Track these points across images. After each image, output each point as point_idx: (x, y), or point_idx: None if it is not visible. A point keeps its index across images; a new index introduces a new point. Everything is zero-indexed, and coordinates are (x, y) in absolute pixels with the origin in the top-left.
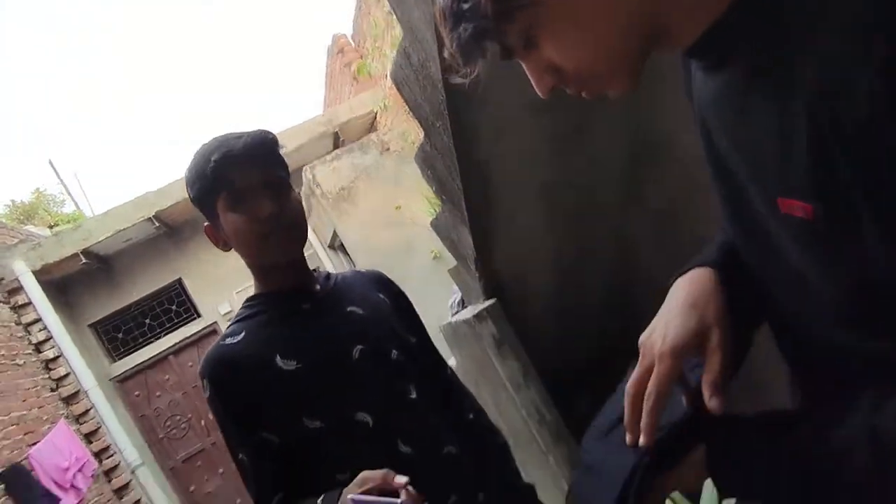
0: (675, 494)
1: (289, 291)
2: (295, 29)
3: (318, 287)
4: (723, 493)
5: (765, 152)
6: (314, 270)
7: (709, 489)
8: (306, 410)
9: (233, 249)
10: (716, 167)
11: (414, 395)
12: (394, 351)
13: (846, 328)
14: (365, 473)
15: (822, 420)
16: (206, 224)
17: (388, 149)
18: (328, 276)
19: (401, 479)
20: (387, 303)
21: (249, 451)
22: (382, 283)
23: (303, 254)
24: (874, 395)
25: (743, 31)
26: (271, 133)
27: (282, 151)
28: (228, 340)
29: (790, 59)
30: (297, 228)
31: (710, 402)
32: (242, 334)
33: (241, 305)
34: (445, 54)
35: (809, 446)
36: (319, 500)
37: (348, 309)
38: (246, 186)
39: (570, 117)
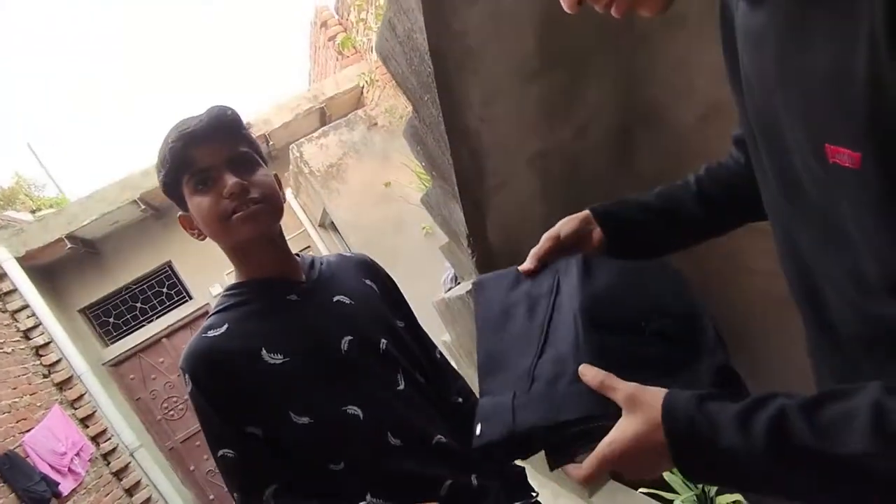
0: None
1: (273, 280)
2: (278, 3)
3: (303, 276)
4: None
5: (817, 92)
6: (297, 255)
7: None
8: (294, 406)
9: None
10: (752, 109)
11: (402, 386)
12: (382, 340)
13: (880, 295)
14: None
15: (827, 394)
16: (179, 214)
17: (375, 124)
18: (312, 262)
19: None
20: (374, 289)
21: (234, 445)
22: (369, 268)
23: (281, 235)
24: (886, 385)
25: None
26: (230, 108)
27: (266, 130)
28: (210, 333)
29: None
30: (266, 203)
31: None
32: (225, 326)
33: (221, 293)
34: None
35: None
36: None
37: (335, 299)
38: (208, 165)
39: (559, 84)
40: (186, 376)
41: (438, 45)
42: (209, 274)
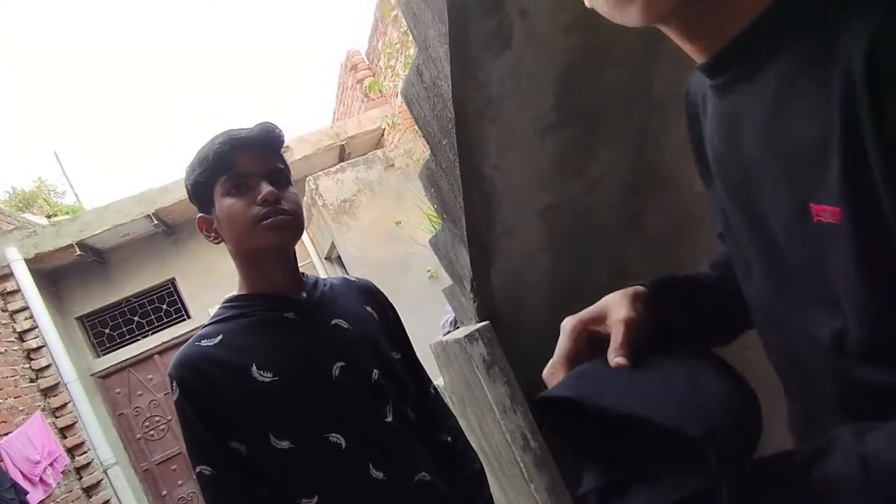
0: None
1: (274, 295)
2: (310, 42)
3: (304, 294)
4: None
5: (800, 155)
6: (303, 274)
7: None
8: (275, 429)
9: (223, 245)
10: (728, 187)
11: (390, 419)
12: (375, 371)
13: (858, 357)
14: None
15: (808, 456)
16: (199, 216)
17: (392, 165)
18: (316, 282)
19: None
20: (374, 316)
21: (214, 461)
22: (371, 295)
23: (295, 256)
24: (856, 428)
25: (784, 32)
26: (278, 127)
27: (287, 158)
28: (204, 342)
29: (830, 58)
30: (292, 217)
31: (614, 360)
32: (220, 337)
33: (221, 304)
34: None
35: (800, 483)
36: None
37: (333, 322)
38: (247, 172)
39: (574, 140)
40: (174, 383)
41: (461, 94)
42: (211, 295)
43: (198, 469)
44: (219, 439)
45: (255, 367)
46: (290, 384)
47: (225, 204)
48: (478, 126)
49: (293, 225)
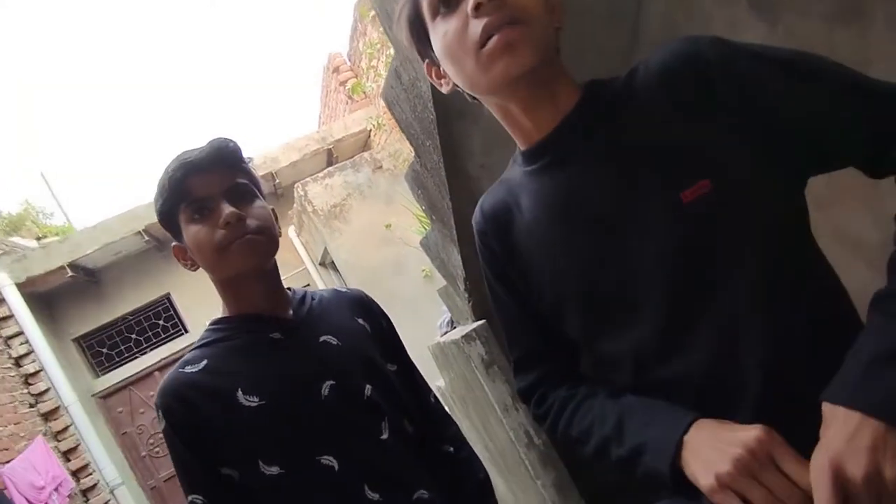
0: None
1: (259, 316)
2: (291, 46)
3: (290, 312)
4: None
5: (656, 167)
6: (289, 289)
7: None
8: (264, 454)
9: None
10: (581, 247)
11: (386, 436)
12: (367, 387)
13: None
14: None
15: None
16: (173, 244)
17: (380, 167)
18: (303, 298)
19: None
20: (366, 329)
21: (205, 490)
22: (363, 306)
23: (275, 270)
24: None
25: (593, 117)
26: (232, 140)
27: (271, 166)
28: (188, 368)
29: (648, 96)
30: (262, 235)
31: None
32: (204, 362)
33: (206, 327)
34: None
35: None
36: None
37: (321, 339)
38: (205, 195)
39: None
40: (160, 412)
41: (441, 94)
42: (208, 308)
43: (190, 498)
44: (209, 466)
45: (240, 392)
46: (277, 407)
47: (191, 231)
48: (460, 126)
49: (262, 242)
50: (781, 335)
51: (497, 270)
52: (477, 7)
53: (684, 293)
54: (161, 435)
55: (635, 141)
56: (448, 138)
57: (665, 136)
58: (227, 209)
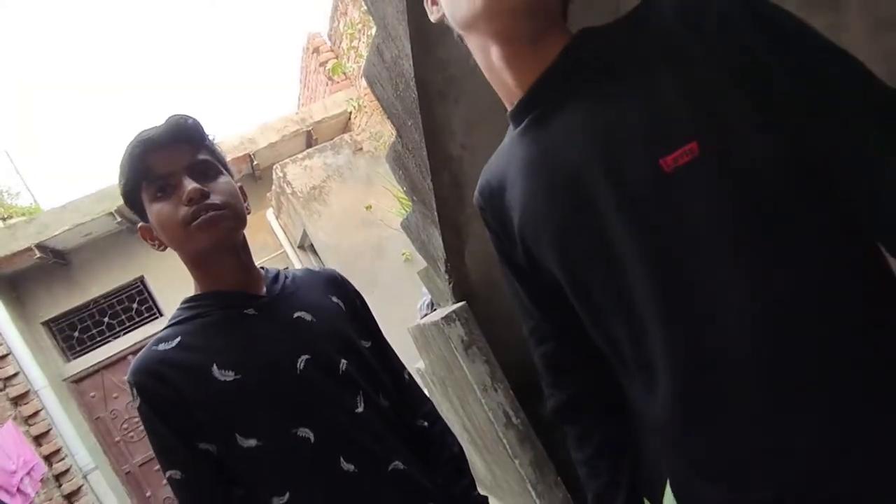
0: None
1: (231, 292)
2: (270, 25)
3: (263, 289)
4: None
5: (635, 128)
6: (262, 268)
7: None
8: (241, 427)
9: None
10: (567, 209)
11: (361, 409)
12: (343, 361)
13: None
14: None
15: None
16: (139, 225)
17: (360, 149)
18: (276, 276)
19: None
20: (339, 306)
21: (184, 465)
22: (336, 284)
23: (245, 247)
24: None
25: (577, 68)
26: (191, 116)
27: (249, 147)
28: (161, 346)
29: (636, 48)
30: (227, 210)
31: None
32: (177, 340)
33: (178, 306)
34: None
35: None
36: None
37: (295, 315)
38: (166, 172)
39: None
40: (134, 390)
41: (423, 73)
42: (183, 291)
43: (168, 474)
44: (186, 442)
45: (215, 367)
46: (253, 381)
47: (154, 210)
48: (442, 106)
49: (228, 217)
50: (791, 335)
51: (500, 248)
52: None
53: (663, 276)
54: (136, 420)
55: (621, 97)
56: (430, 118)
57: (655, 92)
58: (190, 185)
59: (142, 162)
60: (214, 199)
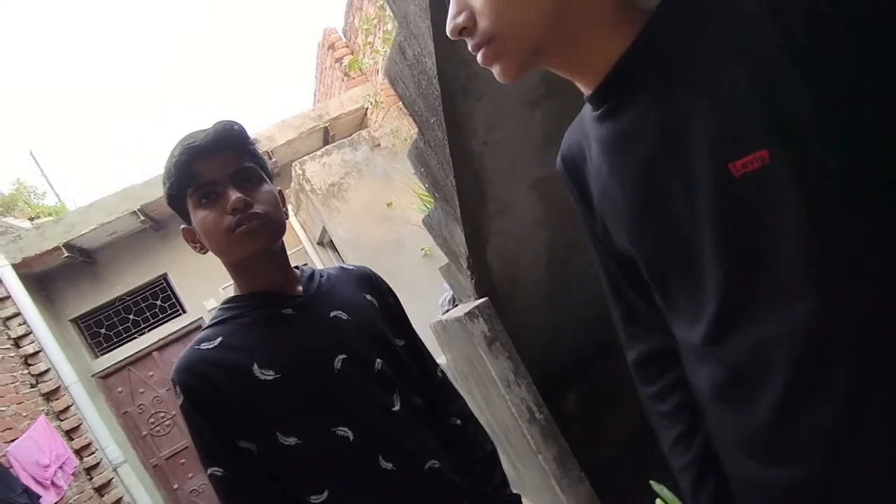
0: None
1: (269, 294)
2: (285, 22)
3: (300, 289)
4: None
5: (706, 130)
6: (297, 268)
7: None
8: (281, 426)
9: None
10: (639, 201)
11: (397, 407)
12: (378, 360)
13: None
14: None
15: None
16: (182, 227)
17: (378, 145)
18: (312, 275)
19: None
20: (374, 304)
21: (225, 462)
22: (370, 282)
23: (283, 251)
24: None
25: (653, 56)
26: (237, 123)
27: (267, 145)
28: (204, 345)
29: (713, 43)
30: (268, 220)
31: None
32: (218, 339)
33: (218, 306)
34: None
35: None
36: None
37: (332, 314)
38: (211, 180)
39: (562, 110)
40: (177, 388)
41: (446, 70)
42: (205, 288)
43: (209, 471)
44: (228, 440)
45: (256, 366)
46: (293, 380)
47: (198, 216)
48: (465, 103)
49: (269, 226)
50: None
51: (581, 213)
52: None
53: (736, 272)
54: (162, 414)
55: (692, 93)
56: (452, 115)
57: (727, 90)
58: (234, 195)
59: (188, 169)
60: (257, 208)
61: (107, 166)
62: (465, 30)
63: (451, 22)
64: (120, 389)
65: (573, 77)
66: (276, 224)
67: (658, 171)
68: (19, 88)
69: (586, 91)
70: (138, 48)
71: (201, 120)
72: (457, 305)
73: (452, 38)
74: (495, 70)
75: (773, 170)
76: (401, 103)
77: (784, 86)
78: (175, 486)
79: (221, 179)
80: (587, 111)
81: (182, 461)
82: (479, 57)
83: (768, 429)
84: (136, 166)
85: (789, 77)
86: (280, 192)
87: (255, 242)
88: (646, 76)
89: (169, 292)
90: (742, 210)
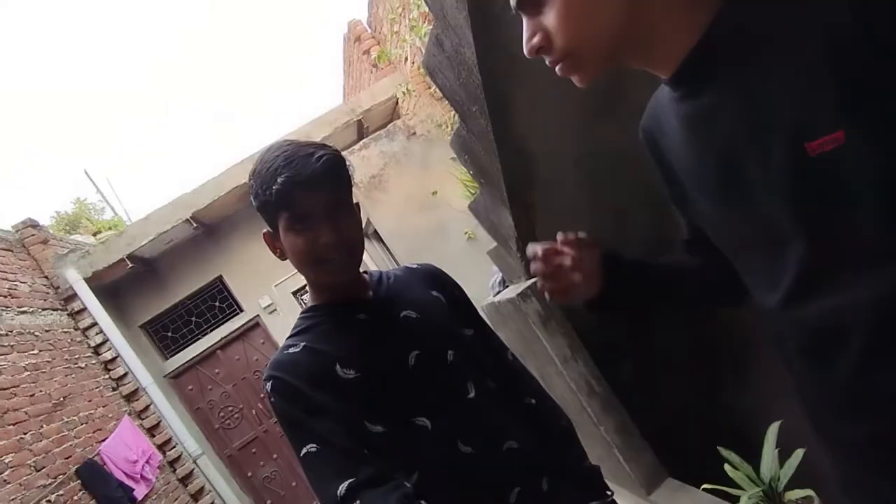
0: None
1: (344, 302)
2: (284, 23)
3: (370, 293)
4: None
5: (783, 110)
6: (365, 272)
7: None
8: (368, 416)
9: (261, 238)
10: (713, 181)
11: (472, 395)
12: (450, 352)
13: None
14: None
15: None
16: (265, 230)
17: (414, 133)
18: (380, 279)
19: None
20: (441, 300)
21: (318, 438)
22: (435, 279)
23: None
24: None
25: (731, 40)
26: (340, 155)
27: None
28: (290, 350)
29: (791, 22)
30: (353, 253)
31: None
32: (303, 345)
33: (298, 316)
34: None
35: None
36: None
37: (402, 314)
38: (308, 211)
39: (600, 83)
40: (268, 386)
41: (486, 59)
42: (258, 287)
43: (303, 451)
44: (320, 421)
45: (338, 366)
46: (372, 379)
47: (289, 239)
48: (505, 87)
49: (353, 264)
50: None
51: (661, 177)
52: None
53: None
54: (230, 408)
55: (770, 73)
56: (494, 101)
57: (805, 71)
58: (328, 234)
59: (286, 195)
60: (346, 243)
61: (156, 172)
62: (542, 48)
63: (528, 44)
64: (190, 387)
65: (648, 68)
66: (359, 254)
67: (737, 148)
68: (19, 88)
69: (663, 76)
70: (138, 48)
71: (201, 120)
72: (507, 287)
73: (530, 58)
74: (574, 79)
75: (849, 150)
76: (442, 94)
77: (860, 68)
78: (249, 473)
79: (317, 212)
80: (664, 92)
81: (253, 450)
82: (557, 70)
83: (846, 389)
84: (136, 166)
85: (865, 60)
86: (357, 204)
87: (339, 276)
88: (722, 59)
89: (226, 293)
90: (820, 187)
